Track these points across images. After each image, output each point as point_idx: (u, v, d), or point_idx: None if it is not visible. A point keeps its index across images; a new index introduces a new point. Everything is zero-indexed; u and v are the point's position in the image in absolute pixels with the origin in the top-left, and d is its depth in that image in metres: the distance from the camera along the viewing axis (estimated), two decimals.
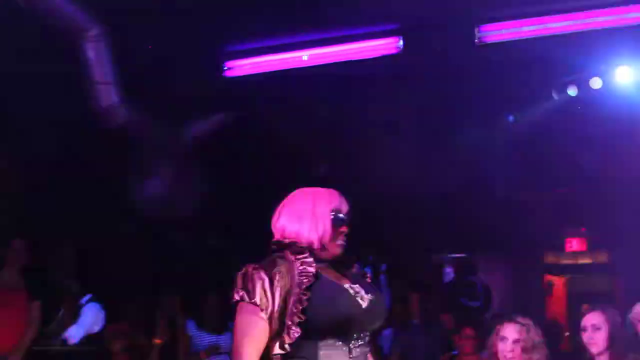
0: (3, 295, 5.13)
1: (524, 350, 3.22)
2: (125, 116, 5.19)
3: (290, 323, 2.13)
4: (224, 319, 5.68)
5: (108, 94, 5.06)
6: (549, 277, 9.88)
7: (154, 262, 7.77)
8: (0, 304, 5.08)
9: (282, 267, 2.20)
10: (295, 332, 2.12)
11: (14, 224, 5.99)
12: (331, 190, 2.41)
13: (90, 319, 5.47)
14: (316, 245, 2.28)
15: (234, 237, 7.79)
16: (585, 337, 3.32)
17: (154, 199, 6.30)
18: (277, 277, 2.17)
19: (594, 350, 3.29)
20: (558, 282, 9.98)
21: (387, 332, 6.24)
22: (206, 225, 8.09)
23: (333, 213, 2.32)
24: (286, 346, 2.13)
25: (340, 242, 2.33)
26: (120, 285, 6.48)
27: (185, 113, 6.01)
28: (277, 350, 2.14)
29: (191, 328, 5.66)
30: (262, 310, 2.14)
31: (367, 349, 2.28)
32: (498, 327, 3.38)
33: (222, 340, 5.63)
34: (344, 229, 2.34)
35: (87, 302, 5.57)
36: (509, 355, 3.25)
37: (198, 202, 6.64)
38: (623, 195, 6.91)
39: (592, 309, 3.36)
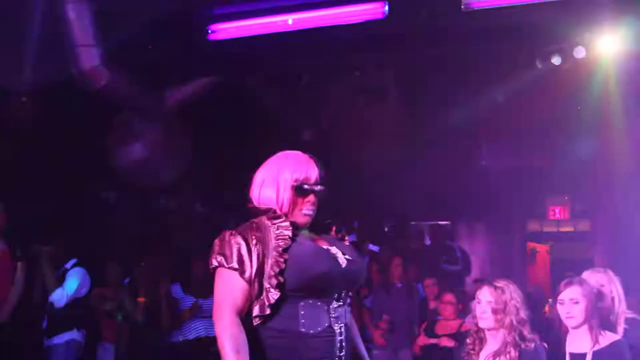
0: None
1: (494, 311, 3.24)
2: (107, 79, 5.12)
3: (268, 286, 2.15)
4: (210, 284, 5.71)
5: (89, 56, 4.98)
6: (532, 245, 10.01)
7: (138, 226, 7.79)
8: None
9: (258, 232, 2.22)
10: (275, 294, 2.15)
11: None
12: (300, 156, 2.39)
13: (76, 282, 5.48)
14: (276, 210, 2.29)
15: (220, 203, 7.81)
16: (563, 310, 3.31)
17: (137, 164, 6.27)
18: (253, 241, 2.19)
19: (571, 323, 3.28)
20: (542, 249, 10.11)
21: (371, 297, 6.34)
22: (192, 191, 8.10)
23: (296, 182, 2.31)
24: (266, 308, 2.15)
25: (306, 211, 2.32)
26: (105, 250, 6.49)
27: (169, 76, 5.94)
28: (257, 312, 2.17)
29: (177, 291, 5.69)
30: (240, 274, 2.16)
31: (349, 309, 2.32)
32: (477, 290, 3.43)
33: (207, 304, 5.68)
34: (310, 198, 2.32)
35: (73, 266, 5.57)
36: (481, 316, 3.28)
37: (182, 168, 6.62)
38: (606, 166, 6.98)
39: (570, 283, 3.33)
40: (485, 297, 3.30)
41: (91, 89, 5.16)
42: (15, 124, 6.12)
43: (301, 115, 6.87)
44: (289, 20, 5.14)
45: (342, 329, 2.26)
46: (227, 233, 2.23)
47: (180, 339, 5.58)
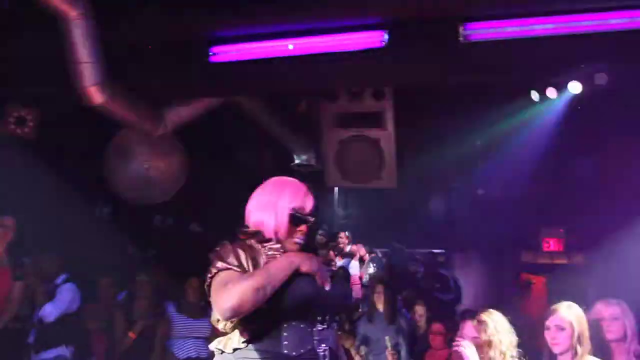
0: None
1: (479, 347, 3.28)
2: (106, 97, 5.15)
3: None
4: (204, 304, 5.71)
5: (90, 74, 5.02)
6: (527, 276, 9.96)
7: (132, 244, 7.78)
8: None
9: (251, 252, 2.28)
10: (258, 315, 2.17)
11: None
12: (299, 185, 2.45)
13: (66, 298, 5.47)
14: (270, 235, 2.34)
15: (216, 223, 7.81)
16: (549, 336, 3.33)
17: (133, 182, 6.29)
18: (248, 253, 2.25)
19: (556, 350, 3.29)
20: (538, 280, 10.05)
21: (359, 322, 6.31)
22: (187, 210, 8.11)
23: (293, 210, 2.36)
24: (247, 331, 2.20)
25: (296, 239, 2.37)
26: (98, 266, 6.48)
27: (169, 96, 5.99)
28: (240, 333, 2.22)
29: (171, 311, 5.68)
30: (239, 270, 2.20)
31: (334, 332, 2.34)
32: (461, 324, 3.45)
33: (199, 324, 5.66)
34: (303, 227, 2.38)
35: (64, 282, 5.56)
36: (463, 354, 3.29)
37: (178, 187, 6.64)
38: (602, 198, 7.00)
39: (555, 310, 3.34)
40: (469, 333, 3.32)
41: (90, 106, 5.20)
42: (13, 138, 6.15)
43: (299, 139, 6.91)
44: (290, 45, 5.21)
45: (327, 352, 2.27)
46: (226, 244, 2.27)
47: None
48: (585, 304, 3.76)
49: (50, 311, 5.33)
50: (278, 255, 2.28)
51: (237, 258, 2.21)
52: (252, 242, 2.32)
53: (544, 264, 9.73)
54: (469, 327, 3.37)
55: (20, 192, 6.42)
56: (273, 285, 2.13)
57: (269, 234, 2.34)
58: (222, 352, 2.24)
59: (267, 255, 2.28)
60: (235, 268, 2.18)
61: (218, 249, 2.27)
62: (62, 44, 4.88)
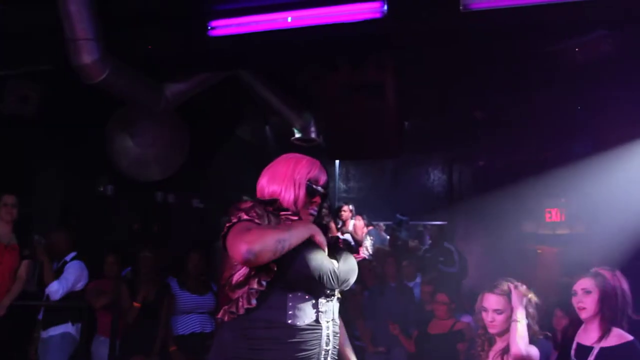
0: None
1: (502, 317, 3.31)
2: (106, 73, 5.13)
3: (262, 273, 2.22)
4: (206, 280, 5.74)
5: (89, 50, 4.99)
6: (537, 247, 9.95)
7: (136, 220, 7.82)
8: None
9: (271, 214, 2.32)
10: (264, 283, 2.21)
11: None
12: (314, 160, 2.51)
13: (73, 276, 5.51)
14: (290, 207, 2.38)
15: (218, 199, 7.83)
16: (576, 300, 3.35)
17: (135, 158, 6.29)
18: (268, 214, 2.29)
19: (583, 315, 3.32)
20: (547, 251, 10.05)
21: (366, 294, 6.37)
22: (188, 187, 8.12)
23: (309, 182, 2.40)
24: (263, 282, 2.21)
25: (311, 211, 2.43)
26: (103, 243, 6.52)
27: (168, 72, 5.96)
28: (255, 286, 2.22)
29: (173, 287, 5.71)
30: (259, 221, 2.23)
31: (337, 305, 2.38)
32: (480, 296, 3.45)
33: (203, 300, 5.69)
34: (317, 199, 2.44)
35: (72, 259, 5.60)
36: (490, 324, 3.35)
37: (180, 163, 6.65)
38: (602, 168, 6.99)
39: (583, 275, 3.38)
40: (491, 306, 3.34)
41: (90, 83, 5.18)
42: (15, 118, 6.15)
43: (299, 114, 6.89)
44: (289, 18, 5.18)
45: (330, 324, 2.31)
46: (247, 200, 2.33)
47: (175, 334, 5.59)
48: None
49: (56, 289, 5.37)
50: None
51: (258, 214, 2.25)
52: (271, 209, 2.36)
53: (545, 235, 9.76)
54: (489, 298, 3.38)
55: (24, 170, 6.46)
56: (291, 243, 2.16)
57: (287, 205, 2.39)
58: (235, 314, 2.25)
59: (286, 222, 2.32)
60: (256, 220, 2.21)
61: (238, 204, 2.29)
62: (60, 20, 4.85)
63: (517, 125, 7.05)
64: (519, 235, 9.56)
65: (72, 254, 5.62)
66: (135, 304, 5.57)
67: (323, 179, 2.47)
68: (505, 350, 3.27)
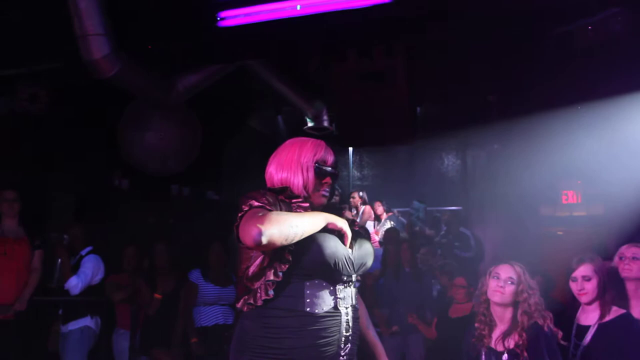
0: (8, 244, 5.24)
1: (516, 291, 3.28)
2: (117, 68, 5.14)
3: (278, 262, 2.21)
4: (228, 272, 5.75)
5: (99, 45, 5.00)
6: (549, 229, 9.90)
7: (153, 214, 7.86)
8: (5, 254, 5.20)
9: (282, 202, 2.30)
10: (280, 273, 2.20)
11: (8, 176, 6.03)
12: (318, 141, 2.48)
13: (90, 270, 5.55)
14: (301, 193, 2.34)
15: (232, 190, 7.86)
16: (575, 286, 3.42)
17: (149, 152, 6.31)
18: (279, 202, 2.28)
19: (584, 300, 3.40)
20: (568, 233, 9.98)
21: (381, 281, 6.36)
22: (202, 179, 8.14)
23: (317, 164, 2.39)
24: (279, 273, 2.20)
25: (323, 192, 2.41)
26: (119, 237, 6.55)
27: (179, 64, 5.97)
28: (271, 277, 2.22)
29: (197, 278, 5.70)
30: (270, 209, 2.19)
31: (355, 291, 2.37)
32: (493, 267, 3.42)
33: (225, 292, 5.69)
34: (327, 180, 2.42)
35: (87, 253, 5.65)
36: (499, 290, 3.30)
37: (194, 155, 6.66)
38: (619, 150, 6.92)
39: (582, 261, 3.44)
40: (505, 273, 3.32)
41: (102, 78, 5.19)
42: (29, 113, 6.19)
43: (310, 102, 6.87)
44: (298, 6, 5.15)
45: (349, 310, 2.30)
46: (259, 190, 2.29)
47: (198, 326, 5.61)
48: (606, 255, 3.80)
49: (75, 283, 5.43)
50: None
51: (270, 201, 2.23)
52: (282, 197, 2.34)
53: (563, 217, 9.69)
54: (504, 268, 3.36)
55: (39, 165, 6.51)
56: (304, 230, 2.13)
57: (298, 190, 2.37)
58: (254, 305, 2.25)
59: (297, 211, 2.30)
60: (268, 207, 2.19)
61: (249, 193, 2.27)
62: (69, 16, 4.86)
63: (531, 107, 6.97)
64: (536, 219, 9.50)
65: (88, 249, 5.66)
66: (157, 296, 5.60)
67: (331, 159, 2.45)
68: (508, 332, 3.26)
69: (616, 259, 3.61)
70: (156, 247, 5.91)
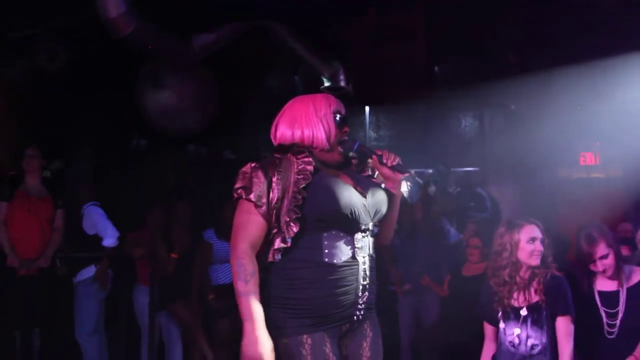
0: (32, 203, 5.31)
1: (545, 248, 3.33)
2: (133, 26, 5.13)
3: (288, 219, 2.24)
4: None
5: (116, 4, 4.99)
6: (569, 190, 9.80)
7: (170, 173, 7.92)
8: (29, 211, 5.28)
9: (280, 167, 2.29)
10: (294, 227, 2.23)
11: (29, 137, 6.08)
12: (326, 94, 2.51)
13: (103, 221, 5.57)
14: (324, 146, 2.36)
15: (248, 149, 7.88)
16: (597, 269, 3.41)
17: (165, 112, 6.33)
18: (275, 176, 2.27)
19: (608, 274, 3.41)
20: (586, 195, 9.89)
21: (397, 241, 6.38)
22: (219, 138, 8.17)
23: (335, 114, 2.42)
24: (287, 241, 2.24)
25: (345, 138, 2.44)
26: (137, 196, 6.62)
27: (195, 23, 5.94)
28: (278, 244, 2.26)
29: (211, 236, 5.75)
30: (258, 207, 2.25)
31: (372, 240, 2.40)
32: (519, 229, 3.37)
33: None
34: (347, 129, 2.45)
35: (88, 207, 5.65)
36: (537, 254, 3.31)
37: (210, 115, 6.67)
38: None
39: (593, 240, 3.38)
40: (537, 234, 3.33)
41: (118, 37, 5.19)
42: (47, 72, 6.21)
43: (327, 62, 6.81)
44: None
45: (366, 259, 2.34)
46: (250, 166, 2.31)
47: (215, 284, 5.68)
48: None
49: (112, 241, 5.48)
50: (308, 169, 2.30)
51: (258, 187, 2.25)
52: (288, 154, 2.35)
53: (580, 179, 9.62)
54: (533, 229, 3.35)
55: (56, 126, 6.55)
56: (240, 305, 2.23)
57: (322, 144, 2.38)
58: (271, 261, 2.30)
59: (298, 169, 2.30)
60: (252, 199, 2.24)
61: (242, 170, 2.31)
62: None
63: (551, 65, 6.88)
64: (553, 180, 9.44)
65: (90, 203, 5.67)
66: (173, 255, 5.67)
67: (342, 108, 2.48)
68: (526, 289, 3.29)
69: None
70: (177, 205, 5.94)
